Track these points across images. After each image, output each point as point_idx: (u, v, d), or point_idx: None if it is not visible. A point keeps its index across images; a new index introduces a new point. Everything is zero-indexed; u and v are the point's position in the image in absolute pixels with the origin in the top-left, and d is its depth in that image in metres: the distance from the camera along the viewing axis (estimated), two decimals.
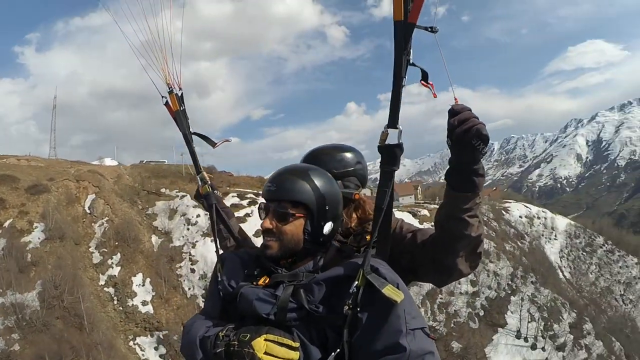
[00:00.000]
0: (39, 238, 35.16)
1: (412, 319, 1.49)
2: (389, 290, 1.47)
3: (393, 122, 1.65)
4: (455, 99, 1.72)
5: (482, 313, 41.98)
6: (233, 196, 44.53)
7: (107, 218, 38.80)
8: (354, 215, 2.21)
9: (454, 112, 1.68)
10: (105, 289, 34.92)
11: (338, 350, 1.53)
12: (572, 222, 77.44)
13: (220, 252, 2.22)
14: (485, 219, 58.66)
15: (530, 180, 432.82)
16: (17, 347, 28.30)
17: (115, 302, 34.43)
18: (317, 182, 1.80)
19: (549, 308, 45.72)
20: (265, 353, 1.51)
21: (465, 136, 1.63)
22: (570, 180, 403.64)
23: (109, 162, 56.67)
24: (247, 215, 39.70)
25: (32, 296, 31.19)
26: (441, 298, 40.38)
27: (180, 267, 37.27)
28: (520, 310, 43.61)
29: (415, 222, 39.83)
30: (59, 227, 36.09)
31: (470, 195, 1.77)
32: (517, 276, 47.66)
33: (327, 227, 1.79)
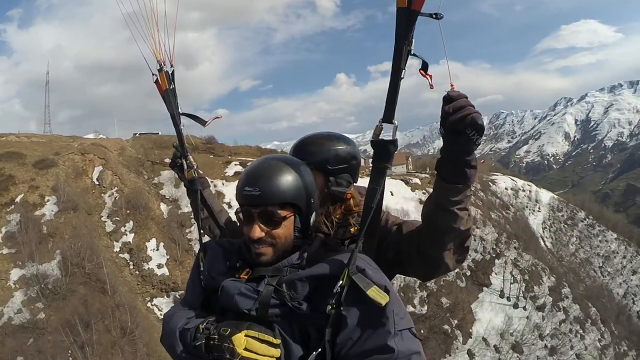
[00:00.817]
0: (52, 210, 36.76)
1: (400, 319, 1.51)
2: (373, 292, 1.47)
3: (389, 116, 1.61)
4: (452, 85, 1.64)
5: (468, 273, 45.22)
6: (235, 164, 46.98)
7: (116, 188, 40.70)
8: (339, 209, 2.18)
9: (449, 99, 1.60)
10: (121, 255, 37.04)
11: (320, 349, 1.54)
12: (555, 196, 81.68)
13: (205, 239, 2.29)
14: (472, 190, 62.22)
15: (518, 156, 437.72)
16: (43, 315, 30.02)
17: (131, 266, 36.64)
18: (299, 176, 1.75)
19: (530, 272, 49.44)
20: (245, 349, 1.52)
21: (460, 124, 1.57)
22: (558, 157, 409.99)
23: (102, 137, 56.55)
24: None
25: (53, 266, 32.98)
26: None
27: (190, 231, 39.08)
28: (504, 272, 47.06)
29: (407, 190, 42.85)
30: (70, 199, 37.69)
31: (461, 187, 1.72)
32: (501, 242, 51.19)
33: (313, 218, 1.80)
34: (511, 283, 46.84)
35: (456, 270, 43.47)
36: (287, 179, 1.70)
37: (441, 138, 1.66)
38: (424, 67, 1.61)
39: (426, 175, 58.73)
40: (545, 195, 77.11)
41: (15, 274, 32.64)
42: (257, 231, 1.67)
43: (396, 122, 1.61)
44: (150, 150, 47.41)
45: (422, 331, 36.03)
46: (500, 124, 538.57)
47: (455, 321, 40.05)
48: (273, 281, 1.63)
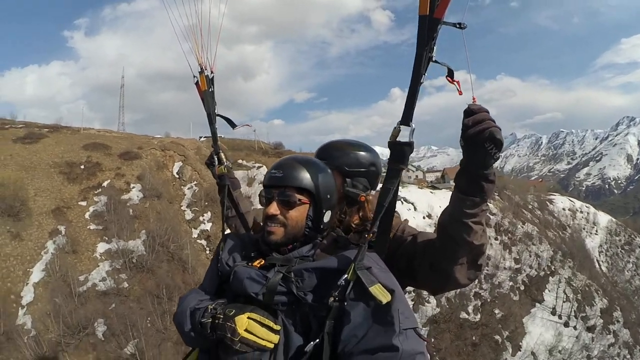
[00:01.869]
0: (137, 196, 41.04)
1: (406, 319, 1.57)
2: (376, 290, 1.54)
3: (407, 119, 1.69)
4: (474, 99, 1.72)
5: (522, 288, 46.66)
6: None
7: (195, 182, 44.74)
8: (356, 215, 2.25)
9: (469, 112, 1.69)
10: (199, 240, 40.84)
11: (317, 340, 1.62)
12: (614, 220, 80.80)
13: (227, 231, 2.44)
14: (529, 207, 64.12)
15: (578, 179, 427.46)
16: (126, 285, 33.58)
17: (208, 252, 40.21)
18: (319, 171, 1.97)
19: (583, 292, 50.27)
20: (246, 330, 1.65)
21: (478, 138, 1.64)
22: (619, 182, 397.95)
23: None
24: None
25: (138, 243, 36.94)
26: (487, 270, 44.62)
27: None
28: (557, 290, 48.20)
29: None
30: (154, 187, 42.05)
31: (477, 200, 1.78)
32: (556, 260, 52.43)
33: (327, 216, 1.97)
34: (563, 301, 47.67)
35: (510, 284, 45.72)
36: (308, 170, 1.93)
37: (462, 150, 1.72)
38: (450, 74, 1.67)
39: None
40: (603, 218, 76.69)
41: (101, 247, 36.56)
42: (274, 208, 1.88)
43: (413, 125, 1.68)
44: (224, 152, 51.14)
45: (473, 338, 38.47)
46: (559, 144, 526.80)
47: (506, 333, 41.53)
48: (282, 270, 1.77)
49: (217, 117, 2.76)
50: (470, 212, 1.79)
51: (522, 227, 54.05)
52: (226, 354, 1.74)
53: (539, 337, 42.68)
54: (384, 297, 1.53)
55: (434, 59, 1.63)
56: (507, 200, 57.77)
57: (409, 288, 2.27)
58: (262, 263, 1.87)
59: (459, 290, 40.43)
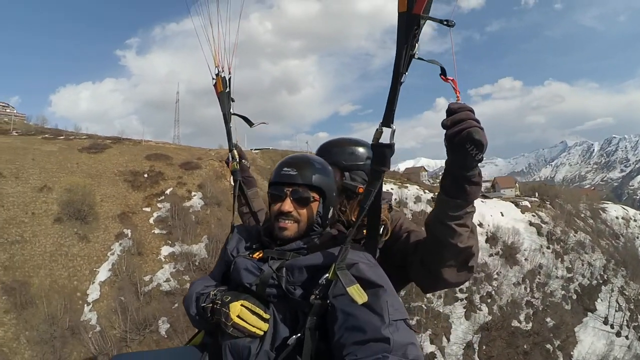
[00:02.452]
0: (198, 204, 44.13)
1: (395, 310, 1.61)
2: (353, 290, 1.58)
3: (387, 120, 1.68)
4: (457, 97, 1.69)
5: (574, 297, 47.04)
6: None
7: None
8: (357, 209, 2.22)
9: (449, 112, 1.66)
10: None
11: (300, 334, 1.69)
12: None
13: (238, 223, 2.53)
14: (582, 216, 64.04)
15: (632, 187, 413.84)
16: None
17: None
18: (326, 170, 2.05)
19: (636, 301, 50.08)
20: (238, 316, 1.76)
21: (457, 139, 1.62)
22: None
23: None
24: None
25: (200, 247, 39.77)
26: (539, 279, 46.08)
27: None
28: (609, 299, 48.34)
29: (517, 212, 47.37)
30: (214, 196, 45.09)
31: (460, 202, 1.77)
32: (609, 269, 52.51)
33: (332, 212, 2.05)
34: (616, 310, 47.75)
35: (562, 293, 46.36)
36: (318, 168, 2.00)
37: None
38: (443, 71, 1.67)
39: (535, 199, 60.91)
40: None
41: (165, 250, 39.70)
42: (288, 204, 1.92)
43: (394, 126, 1.68)
44: (240, 152, 53.88)
45: (525, 346, 39.40)
46: (612, 151, 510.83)
47: (558, 342, 42.24)
48: (275, 264, 1.85)
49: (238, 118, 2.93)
50: (453, 215, 1.79)
51: (575, 236, 54.43)
52: (222, 337, 1.85)
53: (591, 346, 43.15)
54: (360, 297, 1.57)
55: (416, 56, 1.62)
56: (559, 209, 58.23)
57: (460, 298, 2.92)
58: (260, 255, 1.95)
59: (510, 298, 43.16)
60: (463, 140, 1.60)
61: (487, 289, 43.12)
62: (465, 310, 40.47)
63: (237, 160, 2.94)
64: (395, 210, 2.44)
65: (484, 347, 38.56)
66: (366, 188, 1.82)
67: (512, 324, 40.91)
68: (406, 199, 50.06)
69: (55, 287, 33.82)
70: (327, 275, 1.69)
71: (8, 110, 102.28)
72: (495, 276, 44.69)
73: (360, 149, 2.42)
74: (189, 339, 2.24)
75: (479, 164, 1.71)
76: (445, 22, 1.61)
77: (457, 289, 40.68)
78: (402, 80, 1.63)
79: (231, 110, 2.92)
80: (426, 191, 55.12)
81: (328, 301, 1.69)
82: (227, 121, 2.92)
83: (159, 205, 44.13)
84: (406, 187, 53.33)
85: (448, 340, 38.23)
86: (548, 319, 43.03)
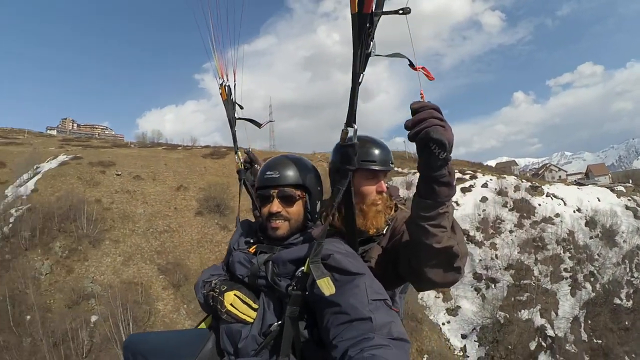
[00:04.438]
0: None
1: (374, 292, 1.80)
2: (322, 282, 1.75)
3: (349, 120, 1.76)
4: (422, 95, 1.70)
5: None
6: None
7: None
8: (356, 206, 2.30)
9: (412, 111, 1.67)
10: None
11: (280, 322, 1.92)
12: None
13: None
14: None
15: None
16: None
17: None
18: (307, 167, 2.22)
19: None
20: (231, 304, 2.02)
21: (418, 139, 1.65)
22: None
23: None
24: (471, 186, 53.31)
25: None
26: (638, 259, 47.81)
27: None
28: None
29: (613, 196, 54.21)
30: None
31: (430, 203, 1.80)
32: None
33: (319, 205, 2.24)
34: None
35: None
36: (299, 167, 2.16)
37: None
38: (410, 63, 1.70)
39: (630, 185, 63.30)
40: None
41: None
42: (276, 205, 2.09)
43: (355, 126, 1.76)
44: (250, 153, 59.38)
45: (626, 322, 42.09)
46: None
47: None
48: (263, 257, 2.07)
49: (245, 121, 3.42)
50: (425, 215, 1.82)
51: None
52: (220, 322, 2.13)
53: None
54: (327, 289, 1.73)
55: (373, 54, 1.64)
56: None
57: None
58: (254, 249, 2.19)
59: (611, 277, 45.76)
60: (424, 140, 1.63)
61: (589, 269, 45.70)
62: (570, 287, 43.52)
63: (241, 161, 3.39)
64: (401, 210, 2.63)
65: (589, 321, 41.37)
66: (335, 186, 2.00)
67: (614, 302, 43.26)
68: (506, 188, 53.32)
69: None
70: (303, 268, 1.89)
71: (107, 132, 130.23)
72: (596, 257, 47.20)
73: (376, 150, 2.48)
74: (199, 321, 2.46)
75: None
76: (400, 12, 1.63)
77: (562, 268, 44.65)
78: (360, 81, 1.68)
79: (236, 115, 3.38)
80: (523, 180, 58.41)
81: (307, 292, 1.88)
82: (231, 126, 3.36)
83: None
84: (504, 177, 56.89)
85: (556, 314, 41.34)
86: None
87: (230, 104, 3.38)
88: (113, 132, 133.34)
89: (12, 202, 40.21)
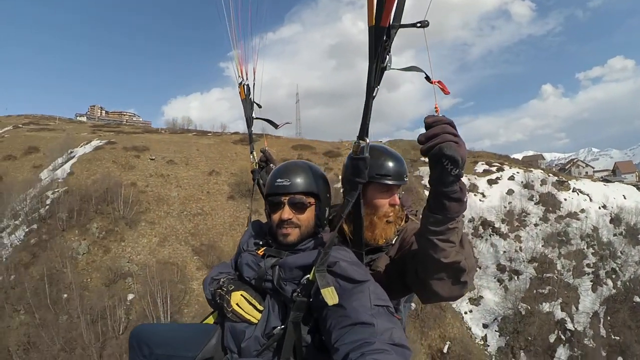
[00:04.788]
0: None
1: (377, 298, 1.82)
2: (326, 292, 1.79)
3: (362, 133, 1.77)
4: (436, 108, 1.71)
5: None
6: (482, 164, 57.81)
7: None
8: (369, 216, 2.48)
9: (425, 126, 1.69)
10: None
11: (283, 326, 1.97)
12: None
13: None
14: None
15: None
16: None
17: None
18: (317, 174, 2.25)
19: None
20: (237, 304, 2.07)
21: (429, 154, 1.67)
22: None
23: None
24: (498, 178, 53.79)
25: None
26: None
27: None
28: None
29: (639, 195, 50.99)
30: None
31: (440, 218, 1.82)
32: None
33: (328, 212, 2.29)
34: None
35: None
36: (309, 174, 2.21)
37: None
38: (427, 77, 1.71)
39: None
40: None
41: None
42: (287, 212, 2.15)
43: (368, 139, 1.78)
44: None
45: None
46: None
47: None
48: (270, 261, 2.13)
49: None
50: (434, 230, 1.84)
51: None
52: (225, 320, 2.20)
53: None
54: (331, 299, 1.76)
55: (388, 68, 1.64)
56: None
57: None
58: (263, 252, 2.24)
59: (633, 275, 45.87)
60: (436, 156, 1.65)
61: (611, 265, 46.03)
62: (592, 283, 43.92)
63: (256, 161, 3.42)
64: (411, 221, 2.67)
65: (608, 318, 41.84)
66: (344, 198, 2.03)
67: (634, 300, 43.44)
68: (532, 181, 53.83)
69: None
70: (308, 275, 1.93)
71: (135, 119, 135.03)
72: (619, 254, 47.48)
73: (390, 163, 2.49)
74: (204, 317, 2.51)
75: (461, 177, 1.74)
76: (418, 25, 1.65)
77: (585, 263, 45.07)
78: (374, 95, 1.67)
79: (253, 115, 3.38)
80: (550, 175, 58.42)
81: (310, 299, 1.93)
82: (249, 125, 3.40)
83: None
84: (531, 170, 57.13)
85: (577, 309, 41.83)
86: None
87: (248, 103, 3.41)
88: (141, 119, 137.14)
89: (48, 185, 41.80)
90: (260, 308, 2.09)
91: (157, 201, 42.80)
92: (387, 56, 1.64)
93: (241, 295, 2.11)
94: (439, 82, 1.70)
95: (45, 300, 30.53)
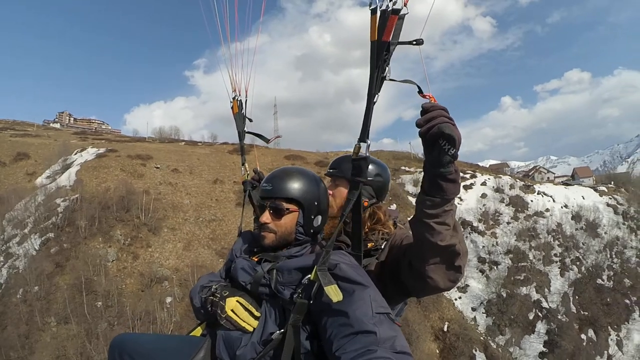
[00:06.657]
0: None
1: (378, 306, 1.80)
2: (330, 289, 1.77)
3: (363, 136, 1.90)
4: (431, 97, 1.83)
5: None
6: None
7: None
8: (367, 222, 2.58)
9: (423, 111, 1.79)
10: None
11: (282, 330, 1.91)
12: None
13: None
14: None
15: None
16: None
17: None
18: (306, 181, 2.23)
19: None
20: (232, 311, 2.02)
21: (429, 135, 1.75)
22: None
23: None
24: (472, 184, 60.11)
25: None
26: (617, 248, 55.02)
27: None
28: None
29: (596, 195, 68.17)
30: None
31: (437, 200, 1.87)
32: None
33: (318, 220, 2.25)
34: None
35: (636, 260, 55.07)
36: (296, 181, 2.21)
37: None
38: (420, 90, 1.83)
39: (611, 186, 70.30)
40: None
41: None
42: (266, 216, 2.18)
43: (369, 141, 1.90)
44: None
45: (608, 299, 49.53)
46: None
47: (634, 298, 51.63)
48: (267, 266, 2.10)
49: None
50: (430, 213, 1.89)
51: None
52: (218, 328, 2.11)
53: None
54: (335, 296, 1.75)
55: (387, 77, 1.83)
56: (632, 193, 66.48)
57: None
58: (257, 258, 2.22)
59: (594, 261, 53.74)
60: (435, 136, 1.73)
61: (575, 254, 53.06)
62: (560, 269, 50.94)
63: (247, 173, 3.40)
64: (399, 228, 2.71)
65: (577, 297, 48.55)
66: (347, 197, 2.07)
67: (597, 282, 50.49)
68: (502, 186, 60.54)
69: None
70: (309, 276, 1.91)
71: (103, 127, 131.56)
72: (581, 245, 54.61)
73: (370, 166, 2.60)
74: (189, 331, 2.47)
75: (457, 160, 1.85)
76: (414, 42, 1.80)
77: (552, 253, 52.27)
78: (374, 101, 1.84)
79: (245, 129, 3.43)
80: (518, 180, 65.24)
81: (311, 301, 1.88)
82: (241, 139, 3.44)
83: None
84: (500, 177, 63.72)
85: (549, 290, 48.54)
86: (625, 280, 52.60)
87: (241, 117, 3.47)
88: (110, 127, 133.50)
89: (55, 192, 42.14)
90: (257, 314, 2.07)
91: (172, 208, 44.49)
92: (387, 67, 1.88)
93: (237, 301, 2.09)
94: (429, 95, 1.85)
95: (77, 309, 31.15)
